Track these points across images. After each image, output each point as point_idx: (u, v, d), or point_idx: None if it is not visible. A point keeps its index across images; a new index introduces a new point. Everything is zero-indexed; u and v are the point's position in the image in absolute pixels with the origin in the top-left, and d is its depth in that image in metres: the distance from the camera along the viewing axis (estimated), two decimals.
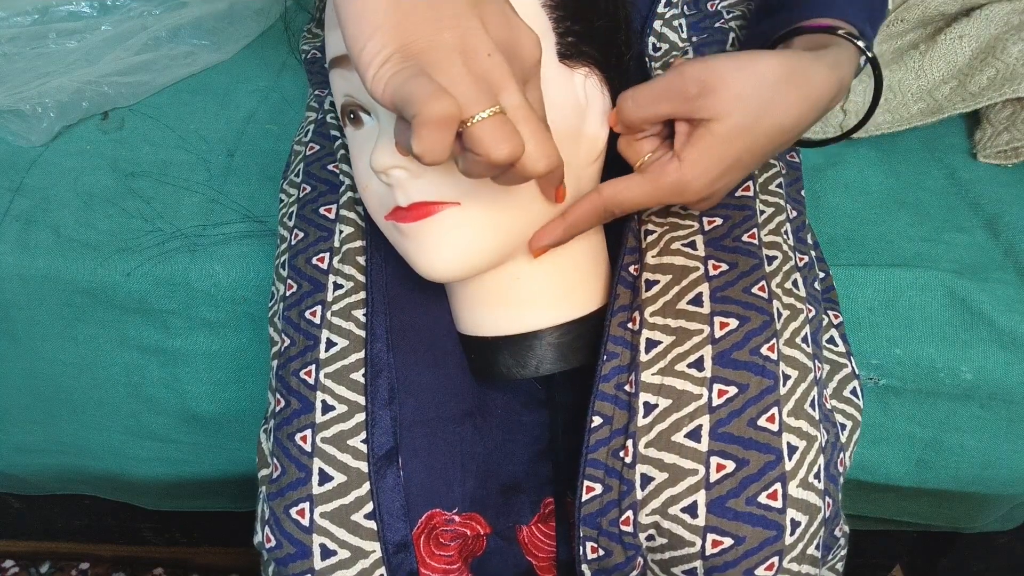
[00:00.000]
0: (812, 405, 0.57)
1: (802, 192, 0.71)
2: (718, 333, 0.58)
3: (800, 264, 0.64)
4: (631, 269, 0.61)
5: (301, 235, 0.68)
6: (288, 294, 0.66)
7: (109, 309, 0.89)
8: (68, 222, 0.90)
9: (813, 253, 0.68)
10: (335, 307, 0.63)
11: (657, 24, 0.71)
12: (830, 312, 0.70)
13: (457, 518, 0.63)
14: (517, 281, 0.60)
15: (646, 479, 0.56)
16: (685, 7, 0.74)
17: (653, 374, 0.57)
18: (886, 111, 0.97)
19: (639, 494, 0.56)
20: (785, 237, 0.64)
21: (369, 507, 0.58)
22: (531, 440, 0.66)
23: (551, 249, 0.59)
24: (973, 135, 0.97)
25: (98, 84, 1.02)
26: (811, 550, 0.56)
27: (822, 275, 0.71)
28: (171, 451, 1.00)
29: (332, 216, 0.68)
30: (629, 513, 0.56)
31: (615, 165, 0.63)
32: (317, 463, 0.59)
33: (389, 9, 0.42)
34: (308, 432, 0.60)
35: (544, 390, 0.67)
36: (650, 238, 0.62)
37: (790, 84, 0.55)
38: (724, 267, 0.60)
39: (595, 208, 0.57)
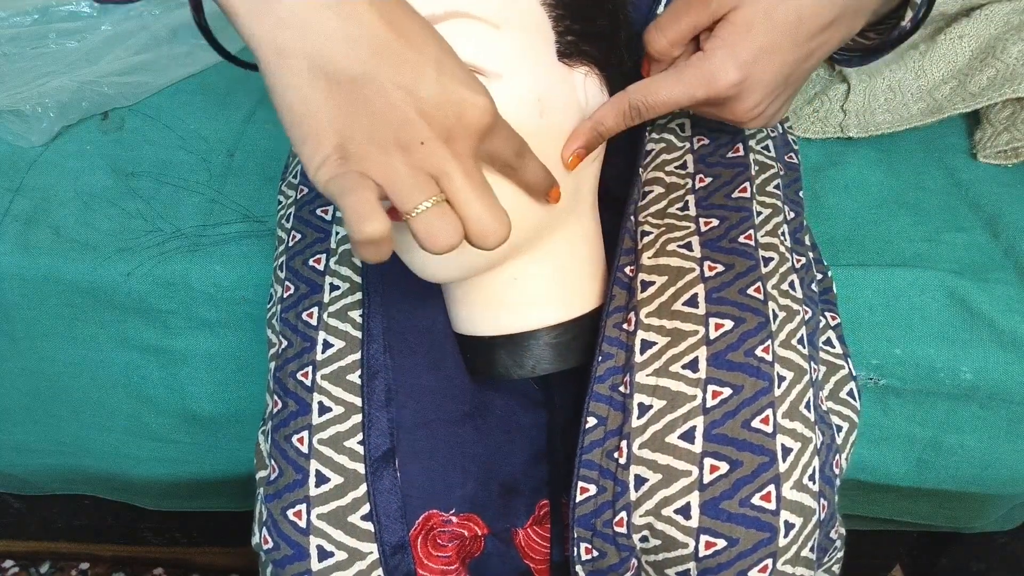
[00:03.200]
0: (807, 407, 0.57)
1: (800, 193, 0.71)
2: (713, 334, 0.58)
3: (797, 265, 0.64)
4: (627, 270, 0.61)
5: (298, 237, 0.69)
6: (285, 296, 0.66)
7: (109, 309, 0.89)
8: (68, 222, 0.90)
9: (811, 254, 0.68)
10: (331, 308, 0.63)
11: None
12: (827, 313, 0.70)
13: (455, 519, 0.63)
14: (515, 281, 0.60)
15: (640, 480, 0.56)
16: None
17: (648, 375, 0.57)
18: (886, 111, 0.97)
19: (633, 495, 0.56)
20: (782, 238, 0.64)
21: (366, 508, 0.59)
22: (529, 441, 0.66)
23: (582, 161, 0.58)
24: (973, 135, 0.96)
25: (98, 84, 1.02)
26: (805, 552, 0.56)
27: (820, 276, 0.71)
28: (171, 451, 1.00)
29: (329, 218, 0.68)
30: (623, 514, 0.56)
31: (614, 164, 0.63)
32: (314, 465, 0.59)
33: (324, 109, 0.42)
34: (305, 434, 0.60)
35: (542, 391, 0.67)
36: (646, 239, 0.62)
37: None
38: (720, 268, 0.60)
39: (622, 107, 0.58)
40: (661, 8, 0.72)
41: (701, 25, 0.57)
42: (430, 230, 0.43)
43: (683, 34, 0.58)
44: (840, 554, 0.65)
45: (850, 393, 0.66)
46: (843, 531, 0.64)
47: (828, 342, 0.68)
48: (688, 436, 0.56)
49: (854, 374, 0.67)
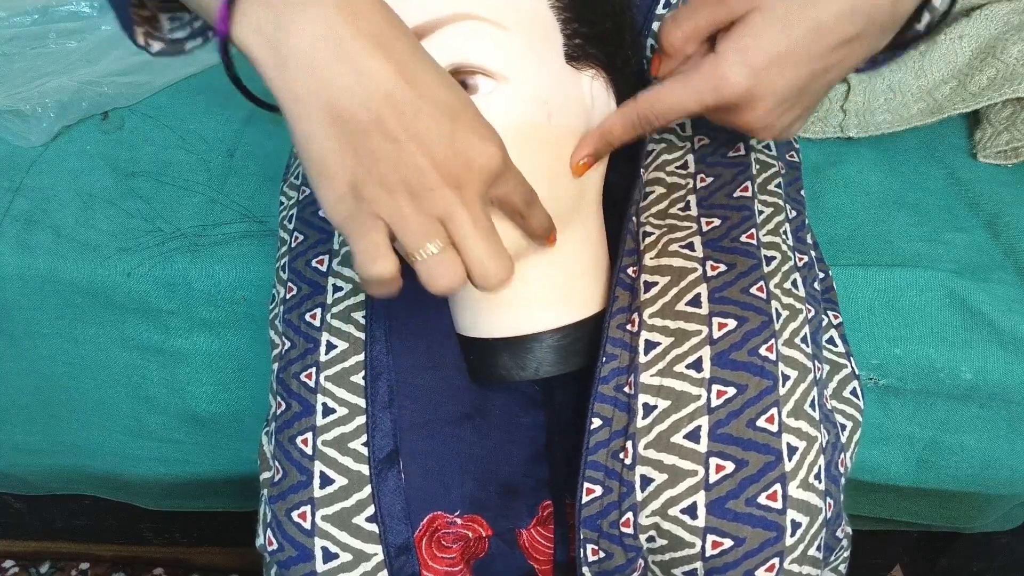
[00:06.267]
0: (812, 405, 0.57)
1: (802, 192, 0.71)
2: (716, 334, 0.58)
3: (799, 264, 0.64)
4: (629, 271, 0.61)
5: (301, 238, 0.69)
6: (288, 297, 0.66)
7: (109, 309, 0.89)
8: (68, 222, 0.90)
9: (813, 253, 0.68)
10: (335, 309, 0.63)
11: (656, 26, 0.71)
12: (830, 312, 0.70)
13: (459, 520, 0.63)
14: (519, 283, 0.60)
15: (646, 480, 0.56)
16: None
17: (652, 375, 0.57)
18: (886, 111, 0.97)
19: (639, 496, 0.56)
20: (784, 237, 0.64)
21: (371, 510, 0.59)
22: (528, 442, 0.66)
23: (588, 169, 0.58)
24: (973, 135, 0.97)
25: (98, 84, 1.02)
26: (812, 551, 0.56)
27: (822, 275, 0.71)
28: (171, 451, 1.00)
29: None
30: (629, 515, 0.56)
31: (616, 166, 0.63)
32: (318, 466, 0.59)
33: (339, 153, 0.43)
34: (309, 435, 0.60)
35: (541, 392, 0.67)
36: (648, 240, 0.62)
37: None
38: (722, 268, 0.60)
39: (630, 117, 0.56)
40: (660, 8, 0.72)
41: (719, 22, 0.54)
42: (433, 273, 0.46)
43: (699, 30, 0.55)
44: (846, 553, 0.65)
45: (853, 392, 0.66)
46: (849, 530, 0.64)
47: (831, 341, 0.68)
48: (693, 436, 0.56)
49: (857, 373, 0.68)
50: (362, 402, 0.60)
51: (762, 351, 0.57)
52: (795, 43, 0.52)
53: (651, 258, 0.61)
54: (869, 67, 0.64)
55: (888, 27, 0.54)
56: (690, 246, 0.62)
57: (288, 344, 0.64)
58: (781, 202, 0.66)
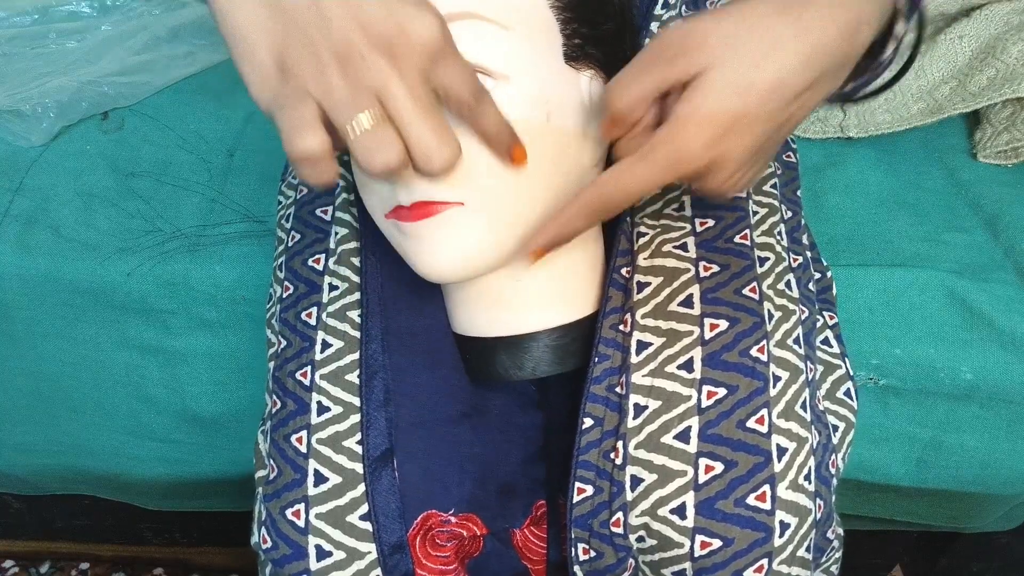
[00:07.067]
0: (803, 407, 0.57)
1: (798, 192, 0.71)
2: (708, 335, 0.58)
3: (794, 265, 0.63)
4: (623, 271, 0.61)
5: (298, 237, 0.69)
6: (284, 296, 0.66)
7: (109, 309, 0.89)
8: (68, 222, 0.90)
9: (808, 254, 0.68)
10: (330, 308, 0.63)
11: (654, 26, 0.71)
12: (825, 313, 0.69)
13: (453, 519, 0.63)
14: (517, 283, 0.60)
15: (636, 480, 0.56)
16: (683, 8, 0.73)
17: (643, 376, 0.57)
18: (886, 111, 0.97)
19: (629, 495, 0.56)
20: (778, 238, 0.63)
21: (364, 508, 0.59)
22: (526, 441, 0.66)
23: (548, 254, 0.55)
24: (973, 135, 0.96)
25: (98, 84, 1.02)
26: (801, 552, 0.56)
27: (818, 276, 0.71)
28: (171, 451, 1.00)
29: (328, 218, 0.68)
30: (619, 515, 0.56)
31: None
32: (312, 464, 0.59)
33: (264, 24, 0.42)
34: (304, 433, 0.60)
35: (539, 391, 0.67)
36: (642, 240, 0.62)
37: (785, 16, 0.47)
38: (715, 269, 0.60)
39: (592, 205, 0.53)
40: (659, 9, 0.72)
41: (669, 83, 0.50)
42: (368, 148, 0.43)
43: (648, 94, 0.51)
44: (838, 554, 0.65)
45: (847, 393, 0.66)
46: (841, 531, 0.63)
47: (826, 341, 0.68)
48: (683, 436, 0.55)
49: (851, 374, 0.67)
50: (357, 400, 0.60)
51: (753, 352, 0.57)
52: (752, 105, 0.48)
53: (644, 258, 0.61)
54: (836, 100, 0.62)
55: (845, 66, 0.51)
56: (683, 247, 0.61)
57: (284, 342, 0.64)
58: (776, 203, 0.66)
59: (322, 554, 0.58)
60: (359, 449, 0.59)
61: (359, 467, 0.59)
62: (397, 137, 0.43)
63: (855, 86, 0.57)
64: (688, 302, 0.59)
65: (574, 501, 0.57)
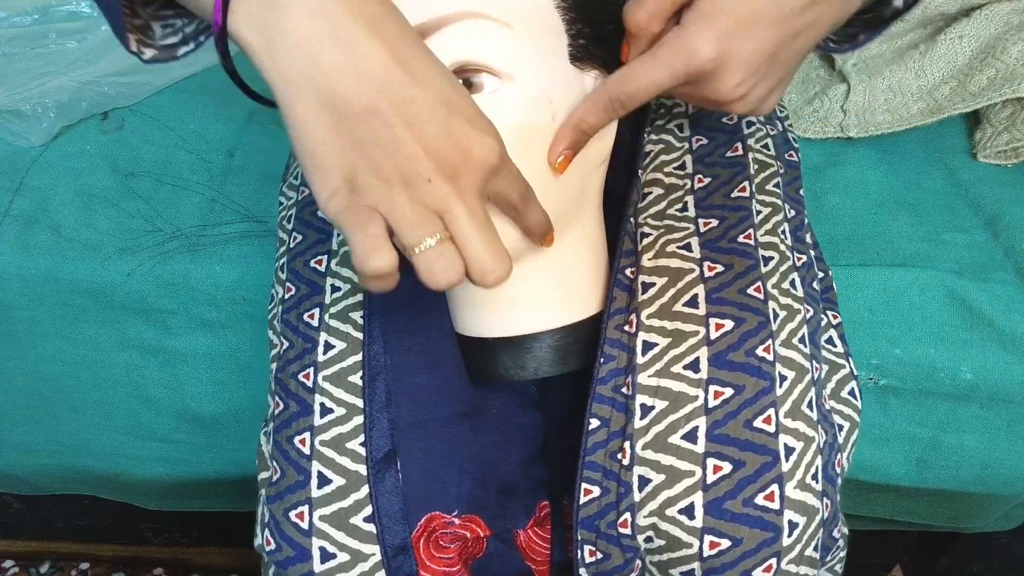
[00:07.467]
0: (809, 406, 0.57)
1: (801, 192, 0.71)
2: (713, 335, 0.58)
3: (798, 264, 0.63)
4: (627, 272, 0.61)
5: (300, 238, 0.69)
6: (287, 297, 0.66)
7: (109, 309, 0.89)
8: (68, 222, 0.90)
9: (812, 253, 0.68)
10: (333, 310, 0.63)
11: None
12: (829, 312, 0.70)
13: (457, 520, 0.63)
14: (518, 283, 0.59)
15: (643, 481, 0.56)
16: None
17: (650, 376, 0.57)
18: (886, 111, 0.97)
19: (637, 496, 0.56)
20: (782, 237, 0.64)
21: (368, 510, 0.58)
22: (526, 442, 0.66)
23: (572, 160, 0.55)
24: (973, 135, 0.96)
25: (98, 84, 1.02)
26: (809, 551, 0.56)
27: (821, 275, 0.71)
28: (171, 451, 1.00)
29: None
30: (627, 515, 0.56)
31: (614, 166, 0.63)
32: (316, 466, 0.59)
33: (332, 141, 0.42)
34: (307, 435, 0.60)
35: (539, 392, 0.67)
36: (646, 241, 0.62)
37: None
38: (720, 268, 0.60)
39: (602, 101, 0.54)
40: None
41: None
42: (431, 267, 0.44)
43: (663, 8, 0.52)
44: (843, 553, 0.65)
45: (851, 392, 0.66)
46: (846, 530, 0.64)
47: (829, 341, 0.68)
48: (691, 436, 0.56)
49: (855, 373, 0.67)
50: (360, 402, 0.60)
51: (759, 352, 0.57)
52: (760, 6, 0.50)
53: (649, 259, 0.61)
54: (851, 46, 0.63)
55: None
56: (687, 247, 0.62)
57: (286, 344, 0.64)
58: (779, 202, 0.66)
59: (326, 556, 0.58)
60: (362, 451, 0.59)
61: (362, 469, 0.59)
62: (458, 257, 0.45)
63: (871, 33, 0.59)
64: (693, 302, 0.59)
65: (580, 502, 0.57)
